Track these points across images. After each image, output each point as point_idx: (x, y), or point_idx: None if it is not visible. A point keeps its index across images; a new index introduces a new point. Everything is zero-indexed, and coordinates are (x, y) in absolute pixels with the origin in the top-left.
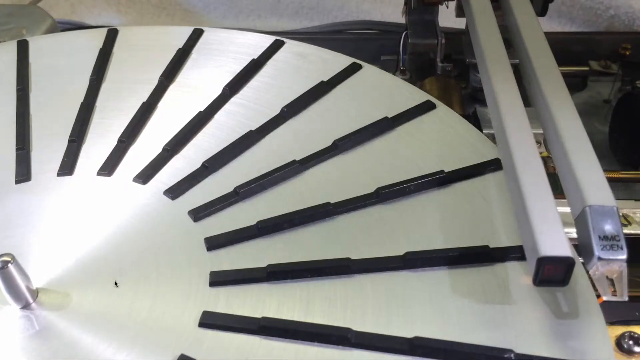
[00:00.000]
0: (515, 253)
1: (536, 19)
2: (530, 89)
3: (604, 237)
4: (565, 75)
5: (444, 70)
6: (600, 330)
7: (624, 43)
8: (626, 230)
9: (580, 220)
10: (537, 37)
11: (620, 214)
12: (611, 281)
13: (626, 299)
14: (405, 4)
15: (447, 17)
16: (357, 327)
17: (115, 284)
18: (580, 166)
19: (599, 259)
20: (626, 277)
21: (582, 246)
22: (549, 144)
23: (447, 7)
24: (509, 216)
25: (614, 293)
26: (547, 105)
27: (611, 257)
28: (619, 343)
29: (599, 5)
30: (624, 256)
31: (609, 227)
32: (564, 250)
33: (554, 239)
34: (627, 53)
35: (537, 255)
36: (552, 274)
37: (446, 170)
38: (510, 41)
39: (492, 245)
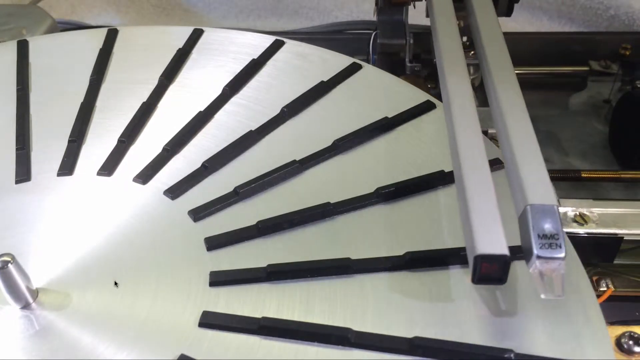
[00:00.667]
0: (515, 254)
1: (496, 20)
2: (486, 89)
3: (543, 236)
4: (565, 75)
5: (412, 70)
6: (600, 330)
7: (624, 43)
8: (583, 230)
9: (522, 219)
10: (495, 38)
11: (577, 213)
12: (551, 279)
13: (563, 297)
14: (376, 4)
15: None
16: (357, 327)
17: (115, 284)
18: (525, 165)
19: (538, 257)
20: (564, 275)
21: (523, 245)
22: (500, 144)
23: (415, 7)
24: (509, 216)
25: (553, 291)
26: (498, 106)
27: (549, 256)
28: (619, 343)
29: (599, 5)
30: (562, 254)
31: (548, 226)
32: (500, 248)
33: (491, 237)
34: (627, 53)
35: (473, 253)
36: (489, 271)
37: (446, 170)
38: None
39: None
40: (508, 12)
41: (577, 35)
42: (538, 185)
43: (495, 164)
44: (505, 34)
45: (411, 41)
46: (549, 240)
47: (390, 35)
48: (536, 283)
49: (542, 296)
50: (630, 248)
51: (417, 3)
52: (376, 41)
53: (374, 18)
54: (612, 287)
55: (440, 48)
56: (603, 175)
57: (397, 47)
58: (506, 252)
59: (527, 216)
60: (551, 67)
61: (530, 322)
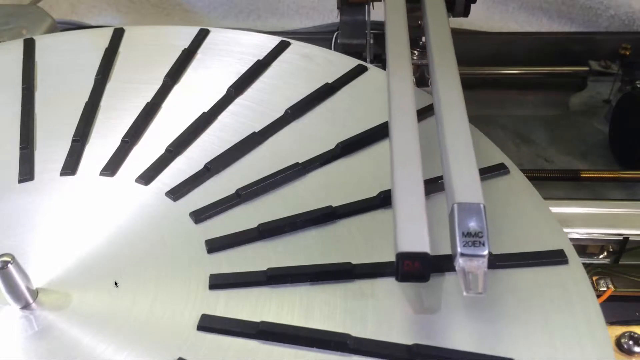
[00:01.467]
0: (517, 260)
1: (445, 20)
2: (432, 89)
3: (468, 234)
4: (565, 75)
5: None
6: (600, 330)
7: (624, 43)
8: None
9: (450, 217)
10: (443, 39)
11: None
12: (475, 277)
13: (484, 294)
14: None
15: None
16: (356, 333)
17: (115, 284)
18: (456, 165)
19: (461, 254)
20: (486, 273)
21: (451, 242)
22: (439, 143)
23: (373, 7)
24: (513, 222)
25: (475, 288)
26: (438, 106)
27: (472, 253)
28: (619, 343)
29: (599, 5)
30: (484, 252)
31: (473, 224)
32: (421, 245)
33: (413, 235)
34: (627, 53)
35: (395, 250)
36: (411, 269)
37: None
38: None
39: (495, 252)
40: (465, 13)
41: (577, 35)
42: (466, 184)
43: (500, 169)
44: (505, 34)
45: (371, 41)
46: (473, 238)
47: (350, 35)
48: (460, 280)
49: (464, 293)
50: (631, 248)
51: (375, 3)
52: (337, 41)
53: (336, 19)
54: (612, 287)
55: (387, 47)
56: (603, 175)
57: (358, 47)
58: (427, 249)
59: (454, 214)
60: (551, 67)
61: (530, 322)
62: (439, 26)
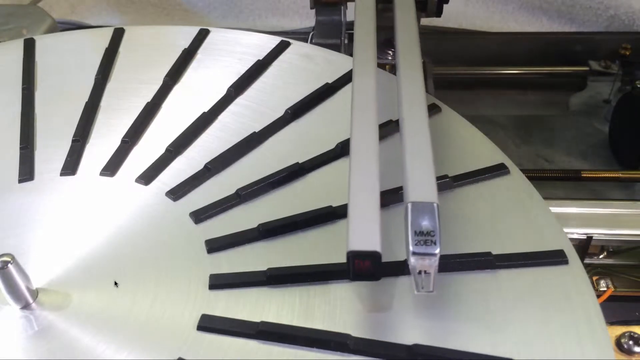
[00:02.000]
0: (517, 260)
1: (414, 20)
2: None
3: (420, 233)
4: (565, 75)
5: None
6: (600, 330)
7: (624, 43)
8: None
9: (405, 216)
10: (410, 40)
11: None
12: (428, 275)
13: (434, 293)
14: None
15: None
16: (356, 333)
17: (115, 284)
18: (412, 164)
19: (413, 253)
20: (436, 272)
21: (405, 241)
22: (400, 143)
23: (347, 7)
24: (513, 222)
25: (425, 287)
26: (400, 105)
27: (423, 252)
28: (619, 343)
29: (599, 5)
30: (435, 251)
31: (425, 223)
32: (372, 245)
33: (364, 234)
34: (627, 53)
35: (346, 249)
36: (362, 268)
37: (450, 174)
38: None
39: (495, 252)
40: (438, 13)
41: (577, 35)
42: (421, 183)
43: (500, 169)
44: (505, 34)
45: (346, 41)
46: (425, 237)
47: (325, 35)
48: (413, 278)
49: (415, 292)
50: (631, 248)
51: (349, 3)
52: (312, 41)
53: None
54: (612, 287)
55: (354, 47)
56: (603, 175)
57: (332, 47)
58: (377, 248)
59: (407, 213)
60: (551, 67)
61: (530, 322)
62: (407, 27)
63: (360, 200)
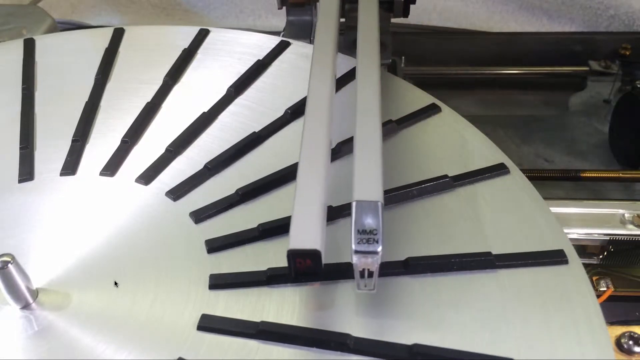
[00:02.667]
0: (517, 260)
1: (375, 22)
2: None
3: (363, 231)
4: (565, 75)
5: None
6: (600, 330)
7: (624, 43)
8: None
9: (351, 215)
10: (370, 42)
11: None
12: (370, 274)
13: (374, 291)
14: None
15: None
16: (356, 333)
17: (115, 284)
18: (360, 163)
19: (355, 251)
20: (377, 271)
21: (350, 239)
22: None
23: (315, 7)
24: (513, 222)
25: (367, 285)
26: (355, 105)
27: (365, 250)
28: (619, 343)
29: (599, 5)
30: (377, 250)
31: (369, 222)
32: (311, 243)
33: (305, 232)
34: (627, 53)
35: (287, 248)
36: (303, 266)
37: (450, 174)
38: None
39: (495, 252)
40: (405, 13)
41: (577, 35)
42: (367, 182)
43: (500, 169)
44: (505, 34)
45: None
46: (368, 235)
47: (294, 35)
48: (355, 277)
49: (357, 290)
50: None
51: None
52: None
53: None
54: (612, 287)
55: (314, 47)
56: (603, 175)
57: None
58: (318, 247)
59: (352, 212)
60: (551, 67)
61: (530, 322)
62: (367, 28)
63: (304, 200)
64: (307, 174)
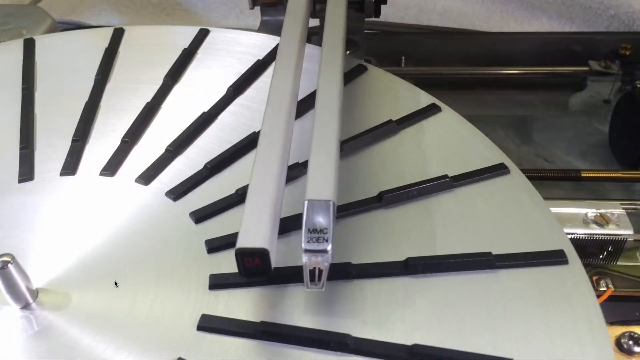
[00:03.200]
0: (517, 260)
1: (342, 22)
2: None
3: (313, 230)
4: (565, 75)
5: None
6: (600, 330)
7: (624, 43)
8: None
9: (302, 214)
10: (333, 44)
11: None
12: (320, 272)
13: (322, 290)
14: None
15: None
16: (356, 333)
17: (115, 284)
18: (315, 162)
19: (305, 250)
20: (327, 270)
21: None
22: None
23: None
24: (513, 222)
25: (316, 284)
26: (316, 105)
27: (315, 249)
28: (619, 343)
29: (599, 5)
30: (326, 248)
31: (319, 221)
32: (259, 242)
33: (253, 231)
34: (627, 53)
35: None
36: (252, 265)
37: (450, 174)
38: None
39: (494, 252)
40: (376, 14)
41: (577, 35)
42: (320, 181)
43: (500, 169)
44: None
45: None
46: (318, 234)
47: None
48: (304, 275)
49: (306, 289)
50: (631, 248)
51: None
52: None
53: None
54: (612, 287)
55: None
56: (603, 175)
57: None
58: (265, 245)
59: (303, 211)
60: (551, 67)
61: (530, 322)
62: (333, 28)
63: (255, 200)
64: (261, 174)
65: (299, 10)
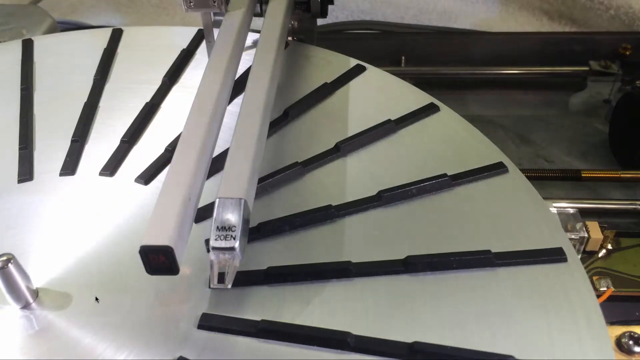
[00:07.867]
0: (517, 258)
1: (280, 24)
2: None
3: (222, 228)
4: (565, 75)
5: None
6: (600, 330)
7: (624, 43)
8: None
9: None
10: (268, 47)
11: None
12: (230, 270)
13: (229, 287)
14: None
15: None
16: (356, 331)
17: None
18: (231, 161)
19: (212, 248)
20: (235, 268)
21: None
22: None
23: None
24: (511, 220)
25: (223, 281)
26: (242, 104)
27: (222, 246)
28: (619, 343)
29: (599, 6)
30: (233, 246)
31: (228, 218)
32: (164, 239)
33: (158, 229)
34: (627, 53)
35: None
36: (158, 262)
37: (449, 173)
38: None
39: (494, 250)
40: (323, 14)
41: (577, 35)
42: (233, 180)
43: (498, 168)
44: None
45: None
46: (226, 232)
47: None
48: (210, 273)
49: (212, 285)
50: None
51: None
52: None
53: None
54: (612, 287)
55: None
56: (603, 175)
57: None
58: (169, 243)
59: (214, 209)
60: (551, 67)
61: (530, 322)
62: (269, 30)
63: (164, 198)
64: (173, 173)
65: (238, 12)
